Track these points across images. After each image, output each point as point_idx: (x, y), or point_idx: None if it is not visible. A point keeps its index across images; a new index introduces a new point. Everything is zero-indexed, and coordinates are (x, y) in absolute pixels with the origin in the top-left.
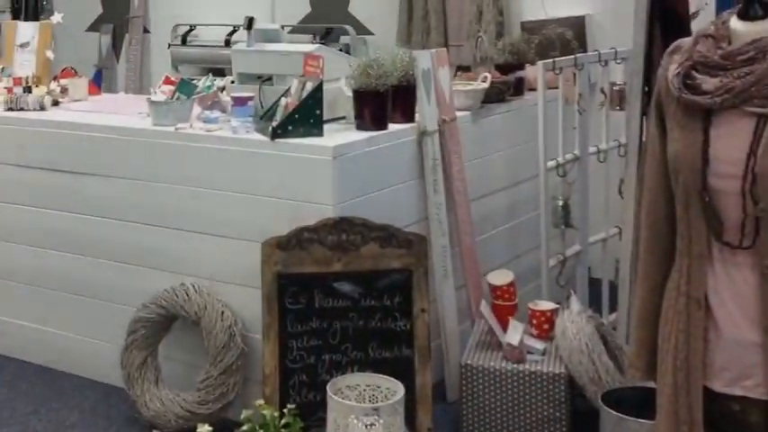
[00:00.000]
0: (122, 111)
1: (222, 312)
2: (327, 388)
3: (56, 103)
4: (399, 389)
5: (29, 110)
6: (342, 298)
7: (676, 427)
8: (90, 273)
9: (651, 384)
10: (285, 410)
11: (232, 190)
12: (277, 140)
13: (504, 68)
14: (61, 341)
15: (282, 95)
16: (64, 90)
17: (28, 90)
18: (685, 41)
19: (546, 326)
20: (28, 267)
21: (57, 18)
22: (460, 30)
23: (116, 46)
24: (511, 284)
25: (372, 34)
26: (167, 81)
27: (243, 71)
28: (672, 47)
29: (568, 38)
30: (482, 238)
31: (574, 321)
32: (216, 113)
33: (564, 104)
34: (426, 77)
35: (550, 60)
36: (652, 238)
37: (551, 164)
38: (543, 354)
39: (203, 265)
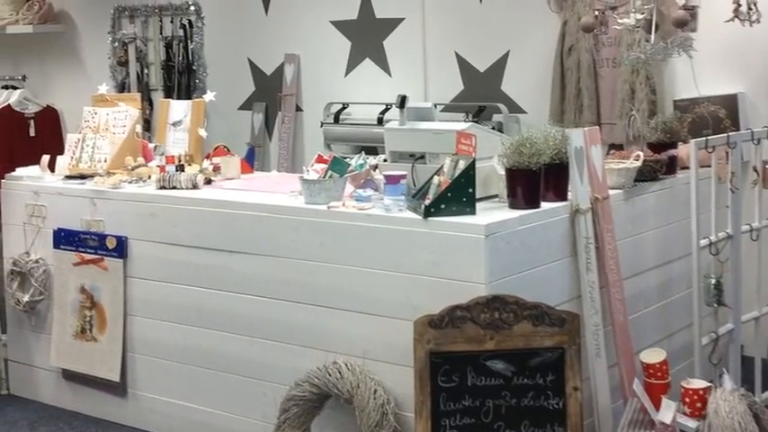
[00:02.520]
0: (275, 189)
1: (375, 390)
2: None
3: (208, 182)
4: None
5: (181, 188)
6: (494, 376)
7: None
8: (242, 351)
9: None
10: None
11: (384, 268)
12: (430, 219)
13: (656, 147)
14: (213, 419)
15: (435, 174)
16: (216, 168)
17: (180, 168)
18: None
19: (698, 404)
20: (179, 345)
21: (209, 96)
22: (613, 108)
23: (269, 124)
24: (663, 363)
25: (525, 112)
26: (320, 159)
27: (395, 149)
28: None
29: (721, 116)
30: (635, 316)
31: (726, 400)
32: (368, 192)
33: (717, 183)
34: (579, 156)
35: (703, 139)
36: None
37: (704, 242)
38: None
39: (355, 342)
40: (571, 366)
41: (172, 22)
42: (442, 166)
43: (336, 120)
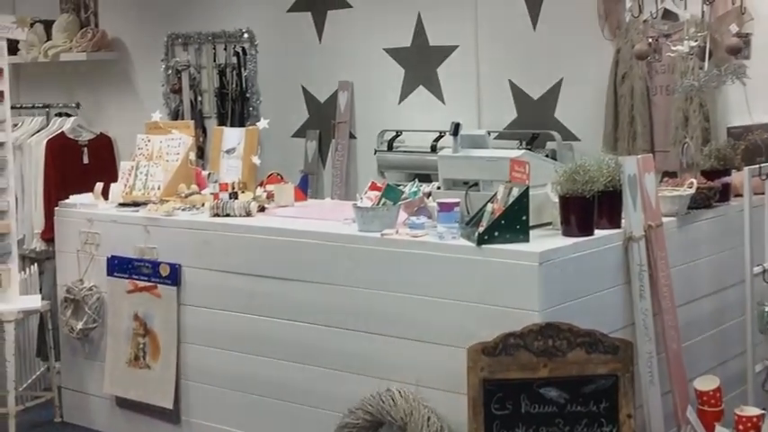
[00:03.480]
0: (328, 216)
1: (428, 418)
2: None
3: (262, 209)
4: None
5: (235, 215)
6: (548, 404)
7: None
8: (295, 378)
9: None
10: None
11: (438, 296)
12: (483, 246)
13: (710, 174)
14: None
15: (489, 201)
16: (270, 196)
17: (234, 196)
18: None
19: None
20: (233, 372)
21: (263, 124)
22: (666, 135)
23: (322, 151)
24: (717, 390)
25: (578, 140)
26: (373, 187)
27: (449, 177)
28: None
29: None
30: (688, 343)
31: None
32: (422, 219)
33: None
34: (632, 183)
35: (757, 166)
36: None
37: (757, 269)
38: None
39: (409, 370)
40: (624, 394)
41: (225, 49)
42: (496, 193)
43: (390, 147)
